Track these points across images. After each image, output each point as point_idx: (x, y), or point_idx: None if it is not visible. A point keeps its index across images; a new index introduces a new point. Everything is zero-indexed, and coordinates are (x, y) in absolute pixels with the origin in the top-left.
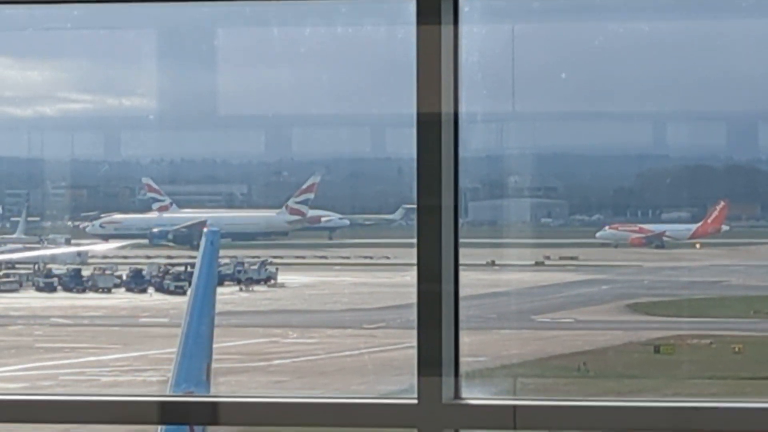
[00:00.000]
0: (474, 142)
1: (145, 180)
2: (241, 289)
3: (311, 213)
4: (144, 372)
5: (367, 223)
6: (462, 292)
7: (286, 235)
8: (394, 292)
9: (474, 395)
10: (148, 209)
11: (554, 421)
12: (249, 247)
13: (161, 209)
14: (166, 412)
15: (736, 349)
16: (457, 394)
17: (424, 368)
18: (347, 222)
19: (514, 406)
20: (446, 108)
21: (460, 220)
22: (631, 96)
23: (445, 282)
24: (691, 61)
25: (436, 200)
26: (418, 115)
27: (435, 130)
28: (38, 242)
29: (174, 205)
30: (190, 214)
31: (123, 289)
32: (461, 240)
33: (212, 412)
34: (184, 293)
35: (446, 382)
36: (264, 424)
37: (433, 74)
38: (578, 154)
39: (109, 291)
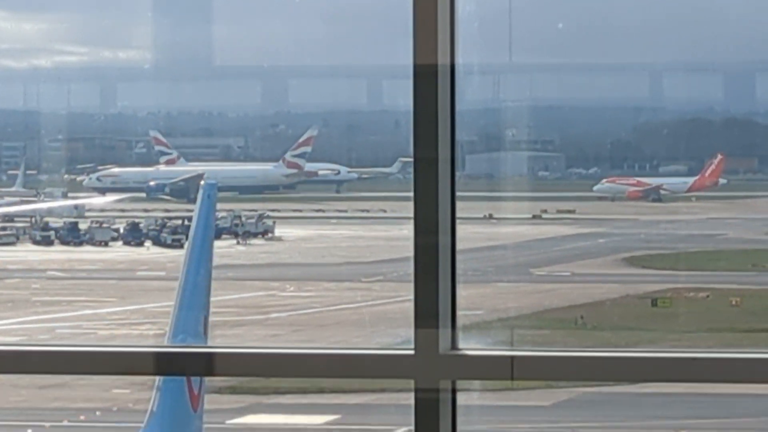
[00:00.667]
0: (471, 94)
1: (152, 133)
2: (238, 243)
3: (317, 166)
4: (141, 325)
5: (363, 176)
6: (459, 246)
7: (294, 189)
8: (390, 246)
9: (471, 347)
10: (146, 162)
11: (551, 372)
12: (248, 200)
13: (169, 162)
14: (162, 363)
15: (734, 302)
16: (454, 346)
17: (421, 320)
18: (355, 175)
19: (512, 357)
20: (443, 59)
21: (457, 174)
22: (628, 48)
23: (442, 234)
24: (688, 11)
25: (433, 153)
26: (415, 66)
27: (431, 82)
28: (35, 195)
29: (182, 159)
30: (189, 168)
31: (120, 243)
32: (458, 193)
33: (208, 363)
34: (181, 246)
35: (443, 333)
36: (260, 375)
37: (430, 25)
38: (575, 107)
39: (106, 244)
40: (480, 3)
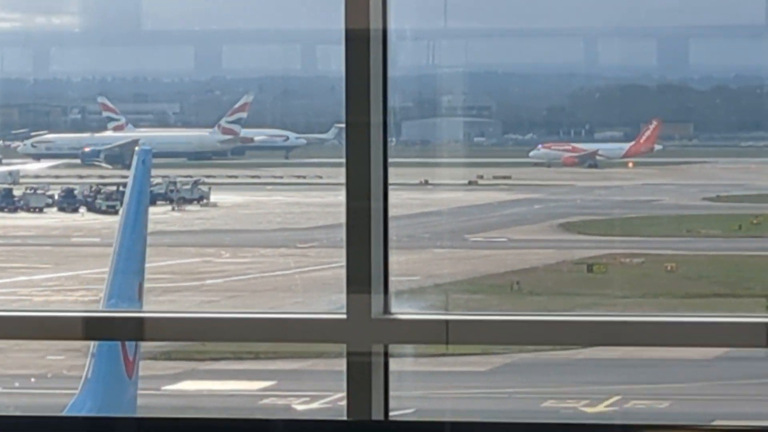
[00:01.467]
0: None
1: (100, 99)
2: (173, 209)
3: (263, 132)
4: (76, 291)
5: (299, 143)
6: (395, 212)
7: (243, 155)
8: (327, 212)
9: (404, 311)
10: (81, 128)
11: (486, 336)
12: (183, 166)
13: (116, 128)
14: (94, 327)
15: (669, 268)
16: (386, 310)
17: (353, 285)
18: (304, 141)
19: (447, 321)
20: (375, 24)
21: (394, 140)
22: (563, 13)
23: (374, 199)
24: None
25: (365, 118)
26: (347, 31)
27: (363, 47)
28: None
29: (130, 125)
30: (124, 134)
31: (55, 209)
32: (395, 159)
33: (140, 328)
34: (116, 213)
35: (375, 298)
36: (192, 340)
37: None
38: (511, 73)
39: (41, 211)
40: None
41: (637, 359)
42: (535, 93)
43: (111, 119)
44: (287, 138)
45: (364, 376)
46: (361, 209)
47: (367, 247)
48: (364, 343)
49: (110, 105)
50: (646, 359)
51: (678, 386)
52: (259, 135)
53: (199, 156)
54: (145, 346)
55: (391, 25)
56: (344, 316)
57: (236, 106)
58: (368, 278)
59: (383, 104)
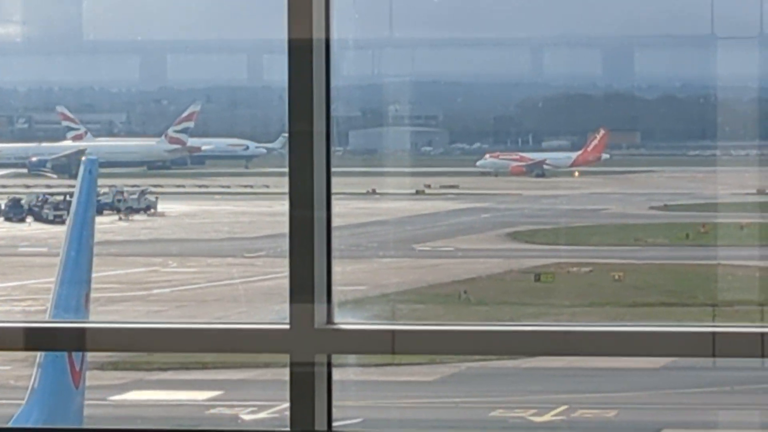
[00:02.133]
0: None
1: (59, 108)
2: (120, 218)
3: (223, 142)
4: (23, 301)
5: (258, 152)
6: (342, 221)
7: (203, 164)
8: (274, 221)
9: (347, 321)
10: (28, 138)
11: (431, 345)
12: (132, 176)
13: (76, 138)
14: (38, 338)
15: (617, 277)
16: (329, 320)
17: (296, 295)
18: (264, 150)
19: (390, 330)
20: (318, 34)
21: (341, 149)
22: (507, 19)
23: (317, 209)
24: None
25: (308, 127)
26: (290, 40)
27: (306, 56)
28: None
29: (89, 134)
30: (70, 143)
31: (1, 219)
32: (343, 168)
33: (84, 338)
34: (63, 222)
35: (319, 308)
36: (137, 350)
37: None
38: (458, 82)
39: None
40: None
41: (585, 368)
42: (482, 102)
43: (70, 128)
44: (247, 147)
45: (308, 386)
46: (304, 218)
47: (310, 257)
48: (307, 353)
49: (69, 114)
50: (594, 368)
51: (625, 395)
52: (220, 144)
53: (150, 166)
54: (92, 356)
55: (336, 35)
56: (287, 326)
57: (183, 115)
58: (311, 288)
59: (326, 113)
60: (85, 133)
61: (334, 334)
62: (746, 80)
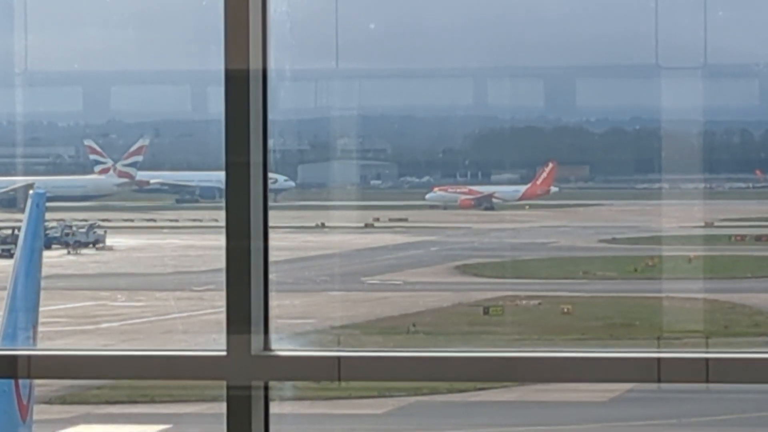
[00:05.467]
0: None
1: (87, 142)
2: (68, 252)
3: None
4: None
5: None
6: (291, 255)
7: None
8: (221, 255)
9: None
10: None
11: (374, 372)
12: (81, 209)
13: (103, 171)
14: None
15: (565, 310)
16: (266, 347)
17: (233, 324)
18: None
19: (339, 357)
20: (255, 64)
21: (292, 183)
22: (457, 55)
23: (254, 239)
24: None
25: (245, 158)
26: (227, 71)
27: (243, 86)
28: None
29: (115, 167)
30: (17, 178)
31: None
32: (292, 203)
33: (21, 365)
34: (10, 256)
35: (255, 337)
36: (76, 378)
37: (242, 30)
38: (407, 116)
39: None
40: (299, 9)
41: (533, 401)
42: (431, 135)
43: (98, 162)
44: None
45: (244, 412)
46: (241, 249)
47: (247, 286)
48: (243, 379)
49: (97, 148)
50: (542, 402)
51: (573, 428)
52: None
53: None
54: (40, 390)
55: (285, 66)
56: (224, 353)
57: (132, 149)
58: (248, 316)
59: (263, 144)
60: (113, 166)
61: (270, 360)
62: (691, 112)
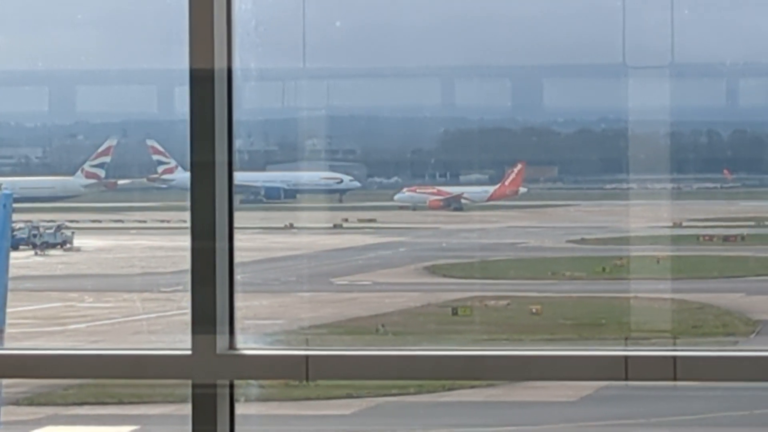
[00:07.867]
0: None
1: (149, 142)
2: (36, 254)
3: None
4: None
5: (162, 186)
6: (260, 255)
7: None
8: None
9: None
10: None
11: (347, 371)
12: (49, 210)
13: (166, 172)
14: None
15: (534, 310)
16: (232, 347)
17: (198, 324)
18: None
19: (307, 356)
20: (219, 63)
21: (258, 183)
22: (427, 55)
23: (219, 239)
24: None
25: (210, 157)
26: (191, 70)
27: (208, 86)
28: None
29: (180, 168)
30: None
31: None
32: (259, 204)
33: None
34: None
35: (221, 337)
36: (44, 377)
37: (206, 29)
38: (375, 116)
39: None
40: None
41: (503, 401)
42: (400, 136)
43: (161, 162)
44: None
45: (209, 411)
46: (206, 249)
47: (212, 286)
48: (208, 378)
49: (159, 148)
50: (512, 401)
51: (543, 427)
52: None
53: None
54: (7, 391)
55: (252, 65)
56: (189, 352)
57: (100, 150)
58: (213, 316)
59: (228, 143)
60: (176, 167)
61: (235, 359)
62: (659, 112)
